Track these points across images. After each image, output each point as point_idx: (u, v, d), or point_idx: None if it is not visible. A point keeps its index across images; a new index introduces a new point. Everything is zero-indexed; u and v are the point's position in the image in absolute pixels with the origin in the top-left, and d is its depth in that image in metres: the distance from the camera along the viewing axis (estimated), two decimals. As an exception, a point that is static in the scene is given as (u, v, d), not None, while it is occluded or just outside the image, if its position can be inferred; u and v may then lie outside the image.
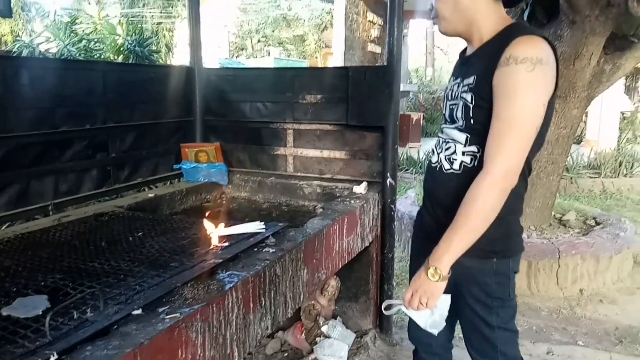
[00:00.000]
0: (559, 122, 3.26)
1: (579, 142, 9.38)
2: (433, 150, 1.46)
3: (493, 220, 1.20)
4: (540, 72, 1.15)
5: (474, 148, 1.29)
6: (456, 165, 1.33)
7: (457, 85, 1.35)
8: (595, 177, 6.59)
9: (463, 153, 1.31)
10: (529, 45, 1.16)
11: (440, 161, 1.38)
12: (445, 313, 1.31)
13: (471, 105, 1.27)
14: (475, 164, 1.28)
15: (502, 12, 1.32)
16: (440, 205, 1.41)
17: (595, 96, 3.42)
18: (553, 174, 3.56)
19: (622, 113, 10.63)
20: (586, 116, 9.28)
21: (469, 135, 1.30)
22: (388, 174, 2.41)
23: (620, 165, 6.78)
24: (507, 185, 1.18)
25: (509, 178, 1.17)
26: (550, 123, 1.29)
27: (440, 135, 1.44)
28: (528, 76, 1.14)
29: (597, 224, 3.92)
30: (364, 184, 2.45)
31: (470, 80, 1.27)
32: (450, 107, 1.36)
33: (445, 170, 1.36)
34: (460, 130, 1.32)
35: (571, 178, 6.42)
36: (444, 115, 1.43)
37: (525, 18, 3.10)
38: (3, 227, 2.03)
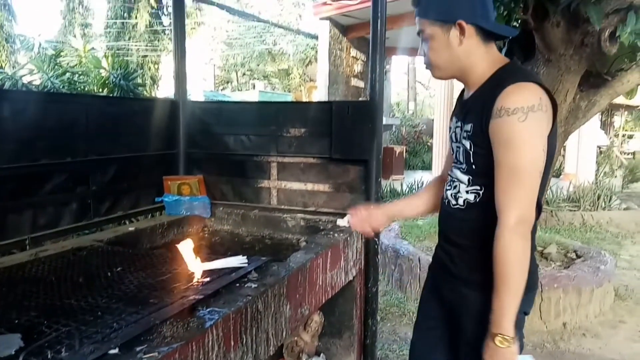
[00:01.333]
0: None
1: (558, 175, 9.56)
2: (445, 187, 1.51)
3: (529, 264, 1.23)
4: (533, 119, 1.18)
5: (476, 187, 1.35)
6: (460, 202, 1.39)
7: (458, 128, 1.39)
8: (574, 210, 6.70)
9: (467, 192, 1.37)
10: (518, 95, 1.20)
11: (448, 197, 1.45)
12: None
13: (471, 152, 1.32)
14: (478, 200, 1.35)
15: (494, 52, 1.36)
16: (448, 237, 1.47)
17: (573, 131, 3.51)
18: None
19: (599, 147, 10.89)
20: (564, 150, 9.49)
21: (471, 177, 1.36)
22: (371, 207, 2.41)
23: (598, 198, 6.92)
24: (526, 230, 1.21)
25: (524, 224, 1.21)
26: (553, 157, 1.33)
27: (450, 173, 1.49)
28: (522, 126, 1.18)
29: (578, 257, 3.97)
30: (348, 216, 2.44)
31: (468, 127, 1.32)
32: (456, 148, 1.42)
33: (452, 206, 1.42)
34: (463, 172, 1.39)
35: (551, 211, 6.51)
36: (453, 154, 1.47)
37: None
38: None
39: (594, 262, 3.73)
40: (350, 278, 2.29)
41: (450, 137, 1.47)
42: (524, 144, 1.19)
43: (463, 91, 1.48)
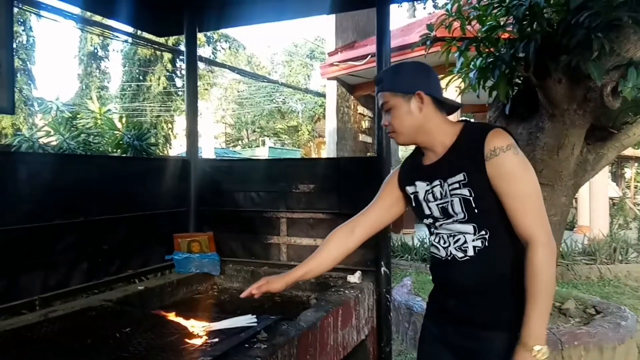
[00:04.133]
0: (548, 209, 3.27)
1: (571, 228, 9.43)
2: (436, 246, 1.53)
3: None
4: (521, 152, 1.39)
5: (482, 232, 1.42)
6: (470, 252, 1.43)
7: (439, 186, 1.47)
8: (591, 264, 6.55)
9: (473, 240, 1.43)
10: (503, 136, 1.39)
11: (451, 253, 1.47)
12: None
13: (471, 198, 1.40)
14: (486, 244, 1.41)
15: (448, 119, 1.52)
16: (465, 290, 1.47)
17: (582, 184, 3.49)
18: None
19: (612, 199, 10.79)
20: (576, 202, 9.41)
21: (476, 225, 1.42)
22: (382, 263, 2.39)
23: (614, 251, 6.78)
24: (555, 247, 1.35)
25: (553, 239, 1.35)
26: None
27: (439, 231, 1.51)
28: (518, 158, 1.37)
29: (598, 312, 3.84)
30: (358, 272, 2.42)
31: (460, 177, 1.41)
32: (441, 205, 1.47)
33: (460, 258, 1.45)
34: (462, 222, 1.43)
35: (567, 265, 6.37)
36: (431, 214, 1.52)
37: (507, 112, 3.26)
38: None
39: (614, 318, 3.60)
40: (363, 337, 2.24)
41: (426, 199, 1.52)
42: (527, 172, 1.37)
43: (413, 157, 1.61)
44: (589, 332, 3.33)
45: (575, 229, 9.38)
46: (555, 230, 3.44)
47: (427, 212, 1.53)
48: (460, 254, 1.45)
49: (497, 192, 1.37)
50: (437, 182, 1.48)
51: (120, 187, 2.47)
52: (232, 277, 2.78)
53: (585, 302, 4.12)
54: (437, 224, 1.51)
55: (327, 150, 10.40)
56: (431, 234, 1.56)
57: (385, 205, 1.71)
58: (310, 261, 1.70)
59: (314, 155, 25.74)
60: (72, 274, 2.19)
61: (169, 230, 2.76)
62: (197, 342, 1.49)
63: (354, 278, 2.37)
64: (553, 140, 2.98)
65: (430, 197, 1.50)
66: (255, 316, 1.69)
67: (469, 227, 1.43)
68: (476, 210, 1.40)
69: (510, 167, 1.35)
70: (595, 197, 8.79)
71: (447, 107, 1.52)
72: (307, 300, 2.43)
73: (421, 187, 1.53)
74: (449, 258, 1.48)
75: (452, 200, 1.43)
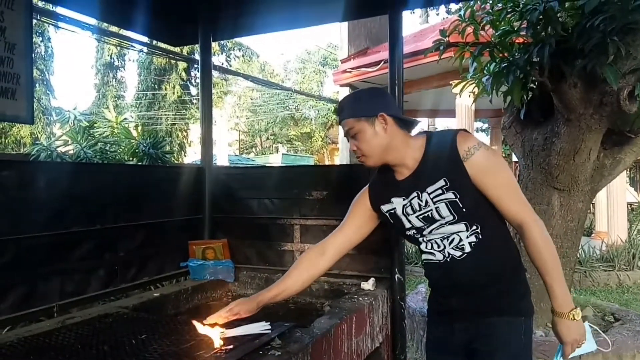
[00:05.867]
0: (565, 215, 3.26)
1: (589, 234, 9.28)
2: (430, 252, 1.57)
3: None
4: (489, 146, 1.51)
5: (474, 227, 1.49)
6: (467, 248, 1.50)
7: (416, 198, 1.53)
8: (609, 270, 6.45)
9: (467, 236, 1.49)
10: (470, 137, 1.50)
11: (449, 254, 1.53)
12: (589, 335, 1.52)
13: (457, 199, 1.46)
14: (481, 237, 1.49)
15: (409, 134, 1.59)
16: (468, 286, 1.53)
17: (599, 189, 3.45)
18: (565, 267, 3.49)
19: (630, 204, 10.60)
20: (594, 208, 9.27)
21: (467, 222, 1.48)
22: (396, 269, 2.38)
23: (633, 257, 6.66)
24: (541, 220, 1.47)
25: (537, 216, 1.47)
26: None
27: (429, 238, 1.55)
28: (489, 152, 1.48)
29: (616, 319, 3.78)
30: (372, 280, 2.41)
31: (441, 183, 1.48)
32: (424, 215, 1.52)
33: (458, 257, 1.51)
34: (452, 223, 1.49)
35: (585, 271, 6.28)
36: (412, 226, 1.57)
37: (522, 117, 3.23)
38: (5, 331, 1.99)
39: (633, 326, 3.54)
40: (377, 345, 2.23)
41: (405, 212, 1.56)
42: (501, 162, 1.48)
43: (382, 176, 1.64)
44: (607, 340, 3.27)
45: (592, 235, 9.22)
46: (573, 236, 3.40)
47: (408, 225, 1.58)
48: (458, 253, 1.51)
49: (481, 187, 1.45)
50: (414, 195, 1.53)
51: (136, 195, 2.50)
52: (246, 284, 2.79)
53: (604, 309, 4.06)
54: (425, 232, 1.55)
55: (341, 157, 10.41)
56: (419, 243, 1.59)
57: (355, 226, 1.74)
58: (281, 283, 1.73)
59: (327, 162, 25.75)
60: (90, 281, 2.22)
61: (184, 237, 2.79)
62: (212, 349, 1.50)
63: (368, 285, 2.37)
64: (569, 145, 2.95)
65: (409, 210, 1.55)
66: (269, 323, 1.69)
67: (460, 226, 1.49)
68: (464, 210, 1.46)
69: (487, 162, 1.45)
70: (613, 202, 8.64)
71: (407, 124, 1.58)
72: (320, 307, 2.42)
73: (398, 202, 1.58)
74: (448, 259, 1.53)
75: (437, 207, 1.49)
